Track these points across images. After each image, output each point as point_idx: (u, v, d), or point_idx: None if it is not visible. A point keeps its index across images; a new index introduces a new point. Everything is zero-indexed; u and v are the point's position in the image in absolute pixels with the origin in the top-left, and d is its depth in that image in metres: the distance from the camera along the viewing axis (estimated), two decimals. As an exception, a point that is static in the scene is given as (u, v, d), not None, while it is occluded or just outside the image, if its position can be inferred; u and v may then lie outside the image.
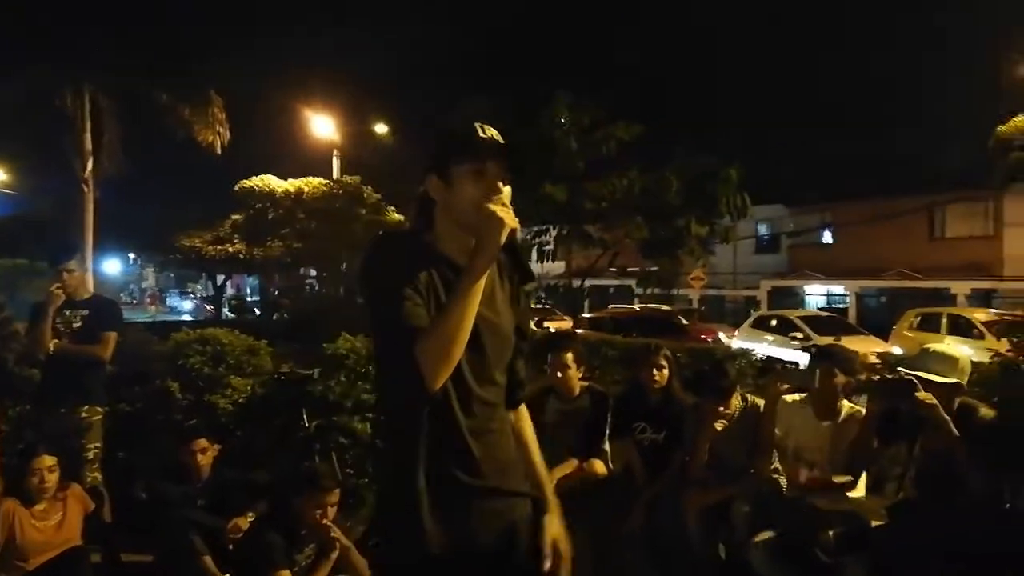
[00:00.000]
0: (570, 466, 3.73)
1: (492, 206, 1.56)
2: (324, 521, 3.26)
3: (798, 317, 17.69)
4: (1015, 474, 2.87)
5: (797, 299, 28.72)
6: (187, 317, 30.48)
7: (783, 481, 3.65)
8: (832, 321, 18.34)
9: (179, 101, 15.03)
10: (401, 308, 1.53)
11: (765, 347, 14.85)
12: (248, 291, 43.80)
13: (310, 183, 21.24)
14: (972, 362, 5.16)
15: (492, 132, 1.66)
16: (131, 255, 42.68)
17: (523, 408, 1.89)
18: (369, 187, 20.62)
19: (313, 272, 20.59)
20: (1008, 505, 2.90)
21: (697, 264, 13.41)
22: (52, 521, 3.45)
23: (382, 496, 1.81)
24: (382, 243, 1.76)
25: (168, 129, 15.37)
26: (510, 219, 1.55)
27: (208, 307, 33.10)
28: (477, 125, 1.67)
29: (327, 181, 21.39)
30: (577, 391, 3.98)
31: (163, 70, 14.98)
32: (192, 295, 44.29)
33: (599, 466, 3.77)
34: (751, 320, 19.03)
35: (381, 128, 22.92)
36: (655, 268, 13.98)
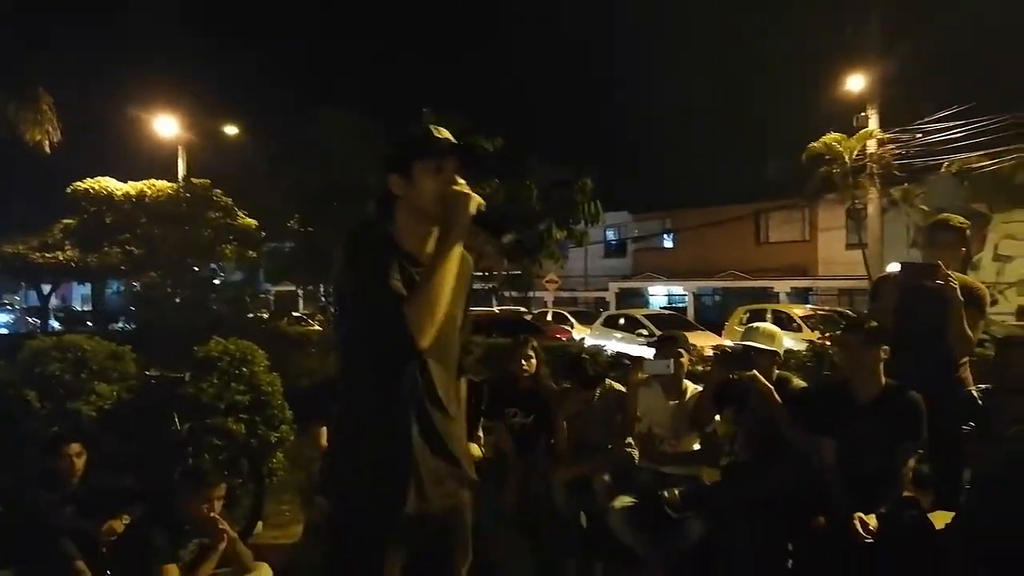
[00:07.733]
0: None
1: (458, 188, 1.87)
2: (212, 514, 3.35)
3: (643, 315, 19.02)
4: (820, 435, 3.42)
5: (642, 299, 30.64)
6: (2, 331, 27.22)
7: (635, 454, 4.12)
8: (673, 318, 19.88)
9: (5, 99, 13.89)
10: (389, 279, 1.80)
11: (614, 343, 15.85)
12: (79, 301, 40.17)
13: (154, 186, 20.08)
14: (791, 350, 6.13)
15: (445, 133, 1.95)
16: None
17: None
18: (219, 190, 19.77)
19: (159, 280, 19.41)
20: (814, 460, 3.45)
21: (556, 266, 14.11)
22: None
23: (355, 465, 1.91)
24: (362, 232, 1.95)
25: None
26: (476, 197, 1.86)
27: (31, 319, 30.04)
28: (432, 128, 1.95)
29: (173, 184, 20.29)
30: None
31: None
32: (9, 307, 39.86)
33: (475, 450, 4.07)
34: (602, 319, 20.18)
35: (231, 129, 21.87)
36: (518, 272, 14.46)
